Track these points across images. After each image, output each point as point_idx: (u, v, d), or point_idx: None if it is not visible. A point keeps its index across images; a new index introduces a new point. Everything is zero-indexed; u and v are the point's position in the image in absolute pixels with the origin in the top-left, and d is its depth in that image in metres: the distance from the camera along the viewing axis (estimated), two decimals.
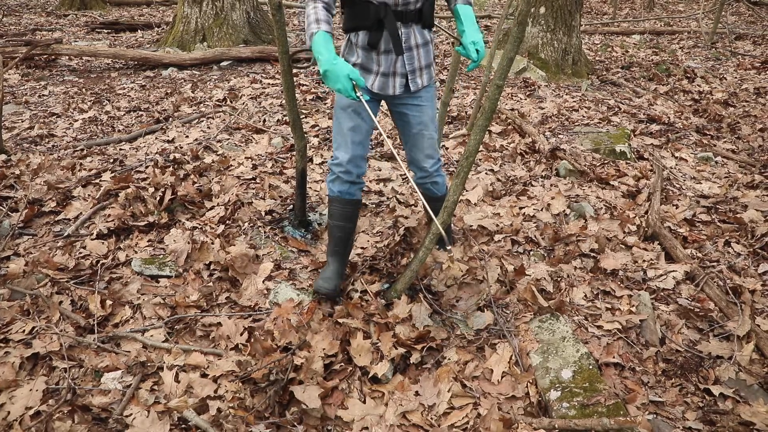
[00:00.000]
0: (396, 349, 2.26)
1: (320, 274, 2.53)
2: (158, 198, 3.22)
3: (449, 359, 2.28)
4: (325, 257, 2.67)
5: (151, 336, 2.32)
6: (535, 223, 3.34)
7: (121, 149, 4.18)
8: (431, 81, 2.38)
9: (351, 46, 2.28)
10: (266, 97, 5.47)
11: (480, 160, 4.11)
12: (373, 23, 2.12)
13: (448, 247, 2.10)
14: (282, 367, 2.08)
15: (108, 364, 2.17)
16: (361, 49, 2.23)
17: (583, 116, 5.21)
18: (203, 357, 2.19)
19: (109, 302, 2.47)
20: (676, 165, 4.25)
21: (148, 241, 2.95)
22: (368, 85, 2.26)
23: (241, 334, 2.32)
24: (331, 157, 2.41)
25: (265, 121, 4.84)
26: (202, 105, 5.33)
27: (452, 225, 3.20)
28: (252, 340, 2.26)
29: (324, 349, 2.22)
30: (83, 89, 5.94)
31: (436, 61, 7.08)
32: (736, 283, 2.78)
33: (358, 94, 1.98)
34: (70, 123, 4.85)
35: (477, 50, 2.16)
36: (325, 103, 5.31)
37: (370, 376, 2.19)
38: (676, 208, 3.51)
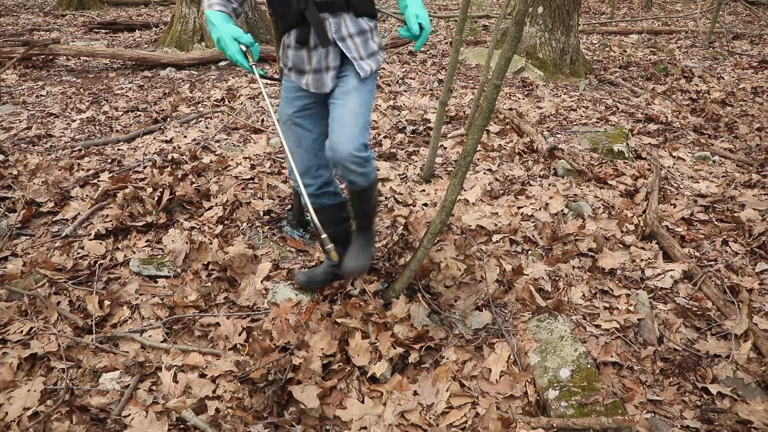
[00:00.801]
0: (394, 348, 2.26)
1: (348, 256, 2.34)
2: (156, 198, 3.21)
3: (448, 359, 2.28)
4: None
5: (149, 336, 2.32)
6: (533, 222, 3.34)
7: (119, 149, 4.18)
8: (375, 72, 2.22)
9: (284, 48, 2.20)
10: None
11: (478, 159, 4.12)
12: (297, 18, 2.03)
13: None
14: (280, 367, 2.08)
15: (106, 365, 2.16)
16: (293, 50, 2.14)
17: (581, 116, 5.21)
18: (201, 357, 2.19)
19: (107, 302, 2.47)
20: (674, 164, 4.26)
21: (146, 242, 2.94)
22: (303, 85, 2.16)
23: (240, 335, 2.32)
24: (290, 171, 2.33)
25: (263, 120, 4.84)
26: (200, 105, 5.33)
27: (452, 224, 3.20)
28: (250, 340, 2.26)
29: (322, 349, 2.22)
30: (81, 89, 5.93)
31: (434, 60, 7.07)
32: (733, 281, 2.79)
33: (251, 63, 1.92)
34: (68, 123, 4.85)
35: (420, 24, 2.04)
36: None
37: (368, 375, 2.19)
38: (674, 208, 3.52)
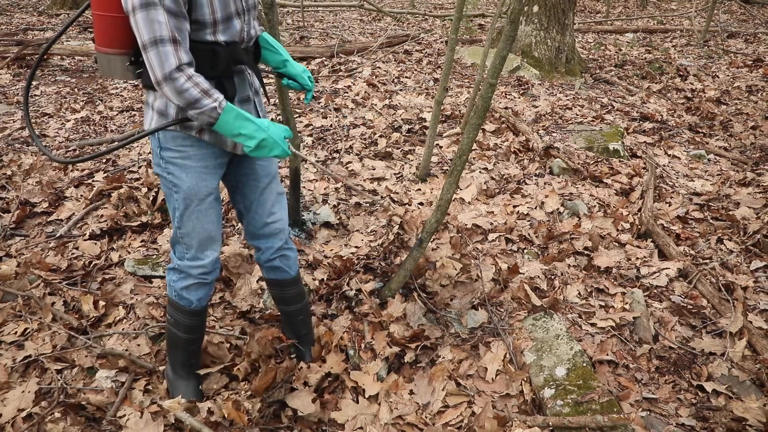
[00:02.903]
0: (390, 348, 2.26)
1: (178, 396, 1.98)
2: (151, 198, 3.20)
3: (443, 358, 2.28)
4: (184, 351, 2.03)
5: (139, 346, 2.31)
6: (529, 221, 3.34)
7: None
8: None
9: None
10: None
11: (474, 158, 4.12)
12: (225, 69, 1.65)
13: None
14: (283, 377, 2.06)
15: (102, 362, 2.16)
16: None
17: (577, 114, 5.22)
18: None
19: (102, 303, 2.46)
20: (669, 163, 4.27)
21: (141, 242, 2.94)
22: (227, 147, 1.74)
23: (237, 338, 2.32)
24: (186, 259, 1.83)
25: None
26: None
27: (449, 224, 3.20)
28: (247, 340, 2.25)
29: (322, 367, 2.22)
30: (75, 89, 5.91)
31: (429, 59, 7.08)
32: (728, 279, 2.79)
33: (290, 148, 1.68)
34: (63, 123, 4.82)
35: (309, 78, 1.94)
36: (318, 103, 5.30)
37: (362, 375, 2.18)
38: (669, 206, 3.52)
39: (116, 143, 2.18)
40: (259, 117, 1.79)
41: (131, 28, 1.49)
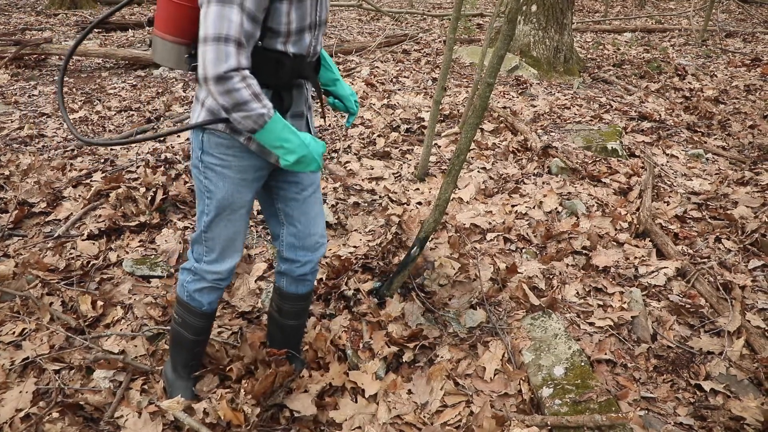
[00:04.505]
0: (389, 347, 2.26)
1: (177, 396, 1.94)
2: (149, 198, 3.20)
3: (442, 357, 2.28)
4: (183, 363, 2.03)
5: (136, 346, 2.31)
6: (527, 220, 3.35)
7: (111, 149, 4.15)
8: None
9: None
10: None
11: (472, 158, 4.12)
12: (287, 80, 1.62)
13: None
14: (282, 382, 2.05)
15: (100, 362, 2.15)
16: None
17: (575, 114, 5.22)
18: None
19: (100, 303, 2.45)
20: (668, 162, 4.27)
21: (139, 242, 2.93)
22: (272, 160, 1.68)
23: (235, 340, 2.32)
24: (204, 262, 1.80)
25: None
26: None
27: (447, 224, 3.20)
28: (242, 340, 2.25)
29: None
30: (74, 89, 5.90)
31: (428, 59, 7.07)
32: (726, 279, 2.80)
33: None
34: (61, 123, 4.82)
35: (355, 101, 1.91)
36: (316, 102, 5.29)
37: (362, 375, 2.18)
38: (668, 205, 3.53)
39: (153, 134, 2.15)
40: (309, 133, 1.75)
41: (198, 20, 1.43)
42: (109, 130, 4.66)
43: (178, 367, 2.02)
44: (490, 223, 3.27)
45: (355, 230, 3.14)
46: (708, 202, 3.59)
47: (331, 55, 6.94)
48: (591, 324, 2.50)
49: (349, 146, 4.27)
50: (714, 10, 10.83)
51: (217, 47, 1.35)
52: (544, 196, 3.56)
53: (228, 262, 1.81)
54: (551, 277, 2.81)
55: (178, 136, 4.40)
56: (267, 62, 1.53)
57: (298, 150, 1.51)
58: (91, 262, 2.74)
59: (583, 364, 2.18)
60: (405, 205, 3.44)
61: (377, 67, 6.53)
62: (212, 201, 1.69)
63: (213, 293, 1.87)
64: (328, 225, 3.17)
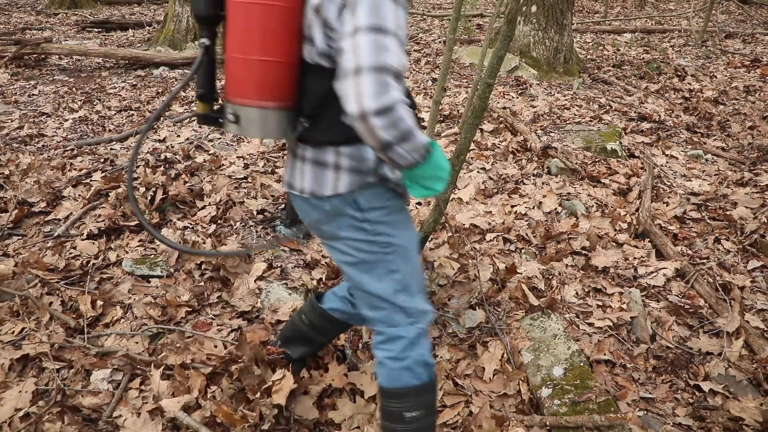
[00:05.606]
0: None
1: None
2: (149, 198, 3.20)
3: (441, 357, 2.28)
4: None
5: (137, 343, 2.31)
6: (526, 221, 3.35)
7: (111, 149, 4.16)
8: None
9: None
10: None
11: (472, 158, 4.12)
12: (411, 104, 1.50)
13: None
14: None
15: (96, 361, 2.15)
16: None
17: (575, 114, 5.22)
18: (195, 355, 2.18)
19: (99, 302, 2.46)
20: (667, 163, 4.27)
21: (139, 241, 2.93)
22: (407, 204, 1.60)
23: (233, 341, 2.32)
24: (414, 319, 1.54)
25: None
26: (193, 104, 5.31)
27: (447, 224, 3.21)
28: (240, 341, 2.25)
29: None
30: (73, 89, 5.90)
31: (428, 59, 7.08)
32: (725, 279, 2.80)
33: None
34: (60, 123, 4.82)
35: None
36: None
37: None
38: (667, 206, 3.53)
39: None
40: None
41: (294, 74, 1.29)
42: (109, 130, 4.66)
43: None
44: (489, 224, 3.27)
45: None
46: (707, 203, 3.59)
47: None
48: (590, 324, 2.50)
49: None
50: (714, 11, 10.83)
51: (378, 77, 1.18)
52: (544, 196, 3.56)
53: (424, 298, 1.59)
54: (550, 277, 2.81)
55: (179, 137, 4.40)
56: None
57: (446, 176, 1.36)
58: (91, 262, 2.74)
59: (582, 364, 2.18)
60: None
61: None
62: (395, 252, 1.49)
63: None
64: None
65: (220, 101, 1.45)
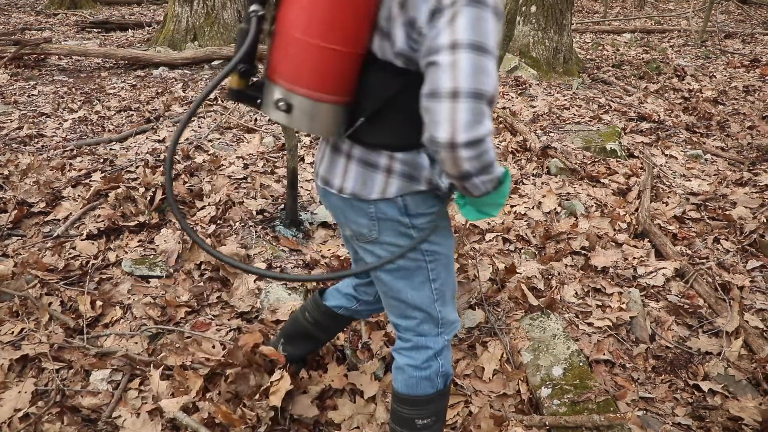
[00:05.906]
0: (387, 347, 2.26)
1: None
2: (149, 198, 3.20)
3: None
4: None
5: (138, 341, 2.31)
6: (526, 221, 3.35)
7: (111, 149, 4.16)
8: None
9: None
10: None
11: None
12: None
13: None
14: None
15: (96, 361, 2.15)
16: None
17: (574, 114, 5.23)
18: (193, 356, 2.18)
19: (99, 303, 2.45)
20: (666, 162, 4.27)
21: (138, 242, 2.93)
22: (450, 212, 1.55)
23: (229, 341, 2.31)
24: (442, 329, 1.52)
25: (256, 120, 4.83)
26: (192, 104, 5.30)
27: None
28: (236, 343, 2.25)
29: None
30: (73, 89, 5.90)
31: None
32: (725, 279, 2.80)
33: None
34: (60, 123, 4.82)
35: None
36: None
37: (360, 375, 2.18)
38: (666, 206, 3.53)
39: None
40: None
41: (358, 67, 1.19)
42: (109, 130, 4.66)
43: None
44: (489, 224, 3.28)
45: None
46: (707, 203, 3.59)
47: None
48: (590, 324, 2.50)
49: None
50: (713, 11, 10.84)
51: (475, 105, 1.07)
52: (543, 196, 3.56)
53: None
54: (550, 277, 2.82)
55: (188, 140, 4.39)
56: None
57: (504, 201, 1.30)
58: (90, 262, 2.74)
59: (581, 364, 2.19)
60: None
61: None
62: (439, 261, 1.44)
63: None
64: (328, 225, 3.18)
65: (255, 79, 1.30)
